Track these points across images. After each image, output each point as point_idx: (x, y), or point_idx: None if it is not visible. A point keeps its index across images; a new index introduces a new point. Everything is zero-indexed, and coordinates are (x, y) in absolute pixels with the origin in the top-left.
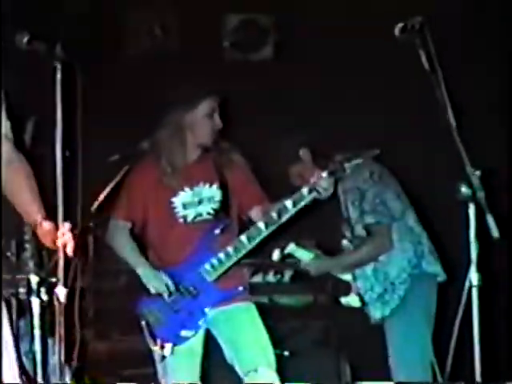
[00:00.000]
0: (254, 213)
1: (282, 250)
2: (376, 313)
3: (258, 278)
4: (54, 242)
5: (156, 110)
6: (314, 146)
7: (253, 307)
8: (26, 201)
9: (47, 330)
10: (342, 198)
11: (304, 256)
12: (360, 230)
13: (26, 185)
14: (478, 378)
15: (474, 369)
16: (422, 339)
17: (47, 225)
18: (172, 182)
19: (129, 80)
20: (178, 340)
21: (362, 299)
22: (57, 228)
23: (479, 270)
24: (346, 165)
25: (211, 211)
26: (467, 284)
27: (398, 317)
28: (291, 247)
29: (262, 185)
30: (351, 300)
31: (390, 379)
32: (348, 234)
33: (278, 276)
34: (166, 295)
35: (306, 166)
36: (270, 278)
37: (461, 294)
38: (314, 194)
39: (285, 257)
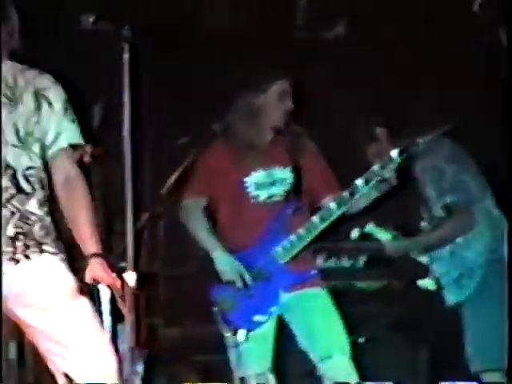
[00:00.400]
0: (327, 201)
1: (361, 229)
2: (451, 297)
3: (331, 263)
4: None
5: (227, 92)
6: (391, 124)
7: (326, 293)
8: (85, 234)
9: (117, 317)
10: (421, 178)
11: (383, 236)
12: (439, 211)
13: (86, 216)
14: None
15: None
16: (499, 326)
17: (99, 261)
18: (245, 162)
19: (199, 62)
20: (251, 325)
21: (438, 282)
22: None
23: None
24: (419, 140)
25: (283, 193)
26: None
27: (475, 302)
28: (370, 227)
29: (335, 166)
30: (428, 283)
31: (466, 365)
32: (426, 214)
33: (352, 261)
34: (238, 282)
35: (383, 145)
36: (344, 262)
37: None
38: (386, 171)
39: (363, 236)
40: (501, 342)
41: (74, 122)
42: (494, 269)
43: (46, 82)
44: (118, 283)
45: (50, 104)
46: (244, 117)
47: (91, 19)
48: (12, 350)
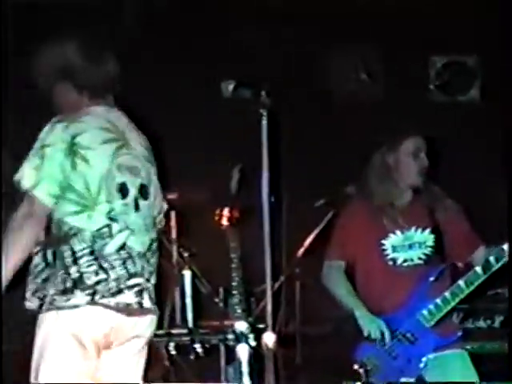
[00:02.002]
0: (474, 258)
1: None
2: None
3: (468, 324)
4: None
5: (359, 153)
6: None
7: (466, 354)
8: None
9: (256, 377)
10: None
11: None
12: None
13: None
14: None
15: None
16: None
17: None
18: (383, 223)
19: (334, 124)
20: None
21: None
22: None
23: None
24: None
25: (422, 256)
26: None
27: None
28: None
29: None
30: None
31: None
32: None
33: (489, 321)
34: (379, 341)
35: None
36: (481, 323)
37: None
38: None
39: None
40: None
41: None
42: None
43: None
44: None
45: None
46: (379, 175)
47: (231, 86)
48: None
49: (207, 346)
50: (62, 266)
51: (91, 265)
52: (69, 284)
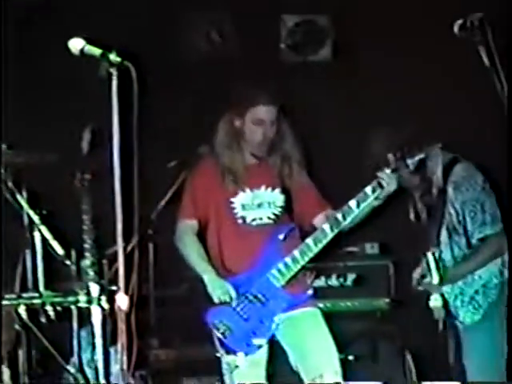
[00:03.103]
0: (318, 220)
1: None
2: (467, 319)
3: (320, 282)
4: None
5: (212, 114)
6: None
7: (318, 312)
8: None
9: (109, 339)
10: (459, 211)
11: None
12: (476, 241)
13: None
14: None
15: None
16: (503, 347)
17: None
18: (231, 183)
19: (186, 85)
20: (249, 349)
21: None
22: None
23: None
24: (409, 161)
25: (272, 216)
26: None
27: (488, 322)
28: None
29: (322, 186)
30: (437, 301)
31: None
32: (463, 244)
33: (341, 279)
34: (230, 305)
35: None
36: (333, 281)
37: None
38: (378, 191)
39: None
40: (502, 363)
41: None
42: (502, 291)
43: None
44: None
45: None
46: (227, 138)
47: (80, 44)
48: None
49: (59, 309)
50: None
51: None
52: None
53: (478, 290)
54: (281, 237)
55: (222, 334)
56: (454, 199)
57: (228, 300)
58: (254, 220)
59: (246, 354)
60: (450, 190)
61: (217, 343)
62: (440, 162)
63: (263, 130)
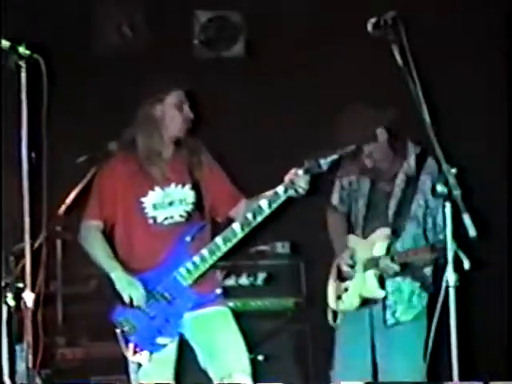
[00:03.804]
0: (234, 213)
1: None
2: (402, 316)
3: (231, 281)
4: None
5: (123, 109)
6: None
7: (228, 311)
8: None
9: (15, 337)
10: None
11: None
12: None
13: None
14: (455, 377)
15: (452, 369)
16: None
17: None
18: (142, 180)
19: (96, 79)
20: (154, 347)
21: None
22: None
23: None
24: (322, 162)
25: (183, 213)
26: (444, 284)
27: (418, 322)
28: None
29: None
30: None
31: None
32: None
33: (252, 278)
34: (137, 303)
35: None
36: (244, 280)
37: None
38: (291, 192)
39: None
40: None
41: None
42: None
43: None
44: None
45: None
46: (145, 129)
47: None
48: None
49: None
50: None
51: None
52: None
53: (414, 289)
54: (188, 238)
55: (127, 332)
56: (427, 189)
57: (138, 298)
58: (165, 219)
59: (151, 353)
60: (424, 179)
61: (122, 341)
62: (412, 151)
63: (183, 111)
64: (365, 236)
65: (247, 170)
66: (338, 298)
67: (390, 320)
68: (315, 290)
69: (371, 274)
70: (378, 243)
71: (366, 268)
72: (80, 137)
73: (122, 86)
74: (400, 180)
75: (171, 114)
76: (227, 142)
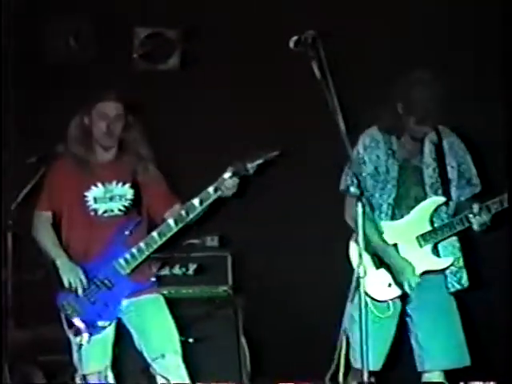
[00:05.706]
0: (168, 214)
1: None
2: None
3: (165, 271)
4: None
5: (69, 115)
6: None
7: (161, 298)
8: None
9: None
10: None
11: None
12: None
13: None
14: None
15: None
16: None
17: None
18: (86, 177)
19: (47, 86)
20: (94, 330)
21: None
22: None
23: None
24: (249, 165)
25: (122, 208)
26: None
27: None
28: None
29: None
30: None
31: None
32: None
33: (183, 269)
34: (79, 289)
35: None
36: (177, 270)
37: None
38: (219, 192)
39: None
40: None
41: None
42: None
43: None
44: None
45: None
46: (78, 134)
47: None
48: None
49: None
50: None
51: None
52: None
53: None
54: (127, 232)
55: (70, 315)
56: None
57: (77, 283)
58: (105, 212)
59: (91, 335)
60: (446, 147)
61: (65, 324)
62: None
63: (107, 122)
64: (396, 217)
65: (182, 175)
66: (389, 285)
67: (456, 286)
68: (240, 279)
69: (428, 248)
70: (425, 216)
71: (421, 244)
72: (31, 139)
73: (69, 93)
74: (428, 149)
75: (98, 124)
76: (163, 148)
